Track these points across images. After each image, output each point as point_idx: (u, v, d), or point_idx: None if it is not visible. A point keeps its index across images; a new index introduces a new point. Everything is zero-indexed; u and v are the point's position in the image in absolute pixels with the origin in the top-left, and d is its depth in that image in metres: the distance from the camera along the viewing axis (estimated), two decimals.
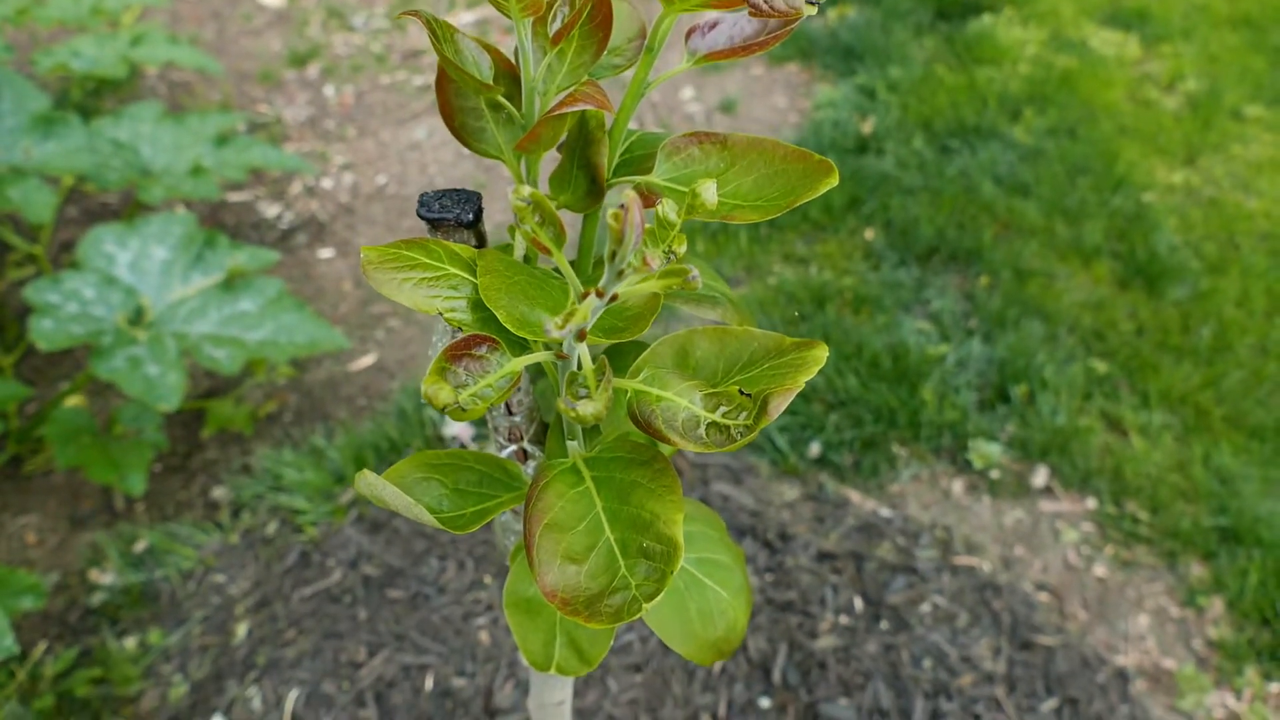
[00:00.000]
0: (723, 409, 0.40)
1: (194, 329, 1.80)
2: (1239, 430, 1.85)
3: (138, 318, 1.77)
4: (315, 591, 1.61)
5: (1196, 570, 1.66)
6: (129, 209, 2.33)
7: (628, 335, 0.41)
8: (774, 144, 0.47)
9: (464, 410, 0.35)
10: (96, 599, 1.65)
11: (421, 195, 0.50)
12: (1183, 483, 1.77)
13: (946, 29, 3.05)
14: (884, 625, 1.46)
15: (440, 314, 0.43)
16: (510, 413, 0.55)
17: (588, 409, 0.32)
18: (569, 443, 0.47)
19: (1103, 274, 2.18)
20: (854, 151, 2.53)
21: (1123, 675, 1.51)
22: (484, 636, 1.45)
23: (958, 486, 1.78)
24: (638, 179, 0.48)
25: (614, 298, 0.33)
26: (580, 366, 0.37)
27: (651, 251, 0.34)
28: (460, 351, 0.36)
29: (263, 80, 3.21)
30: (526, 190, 0.31)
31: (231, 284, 1.89)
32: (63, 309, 1.72)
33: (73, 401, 2.01)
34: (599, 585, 0.39)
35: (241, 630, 1.56)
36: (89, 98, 3.00)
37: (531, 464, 0.57)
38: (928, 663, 1.40)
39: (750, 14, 0.42)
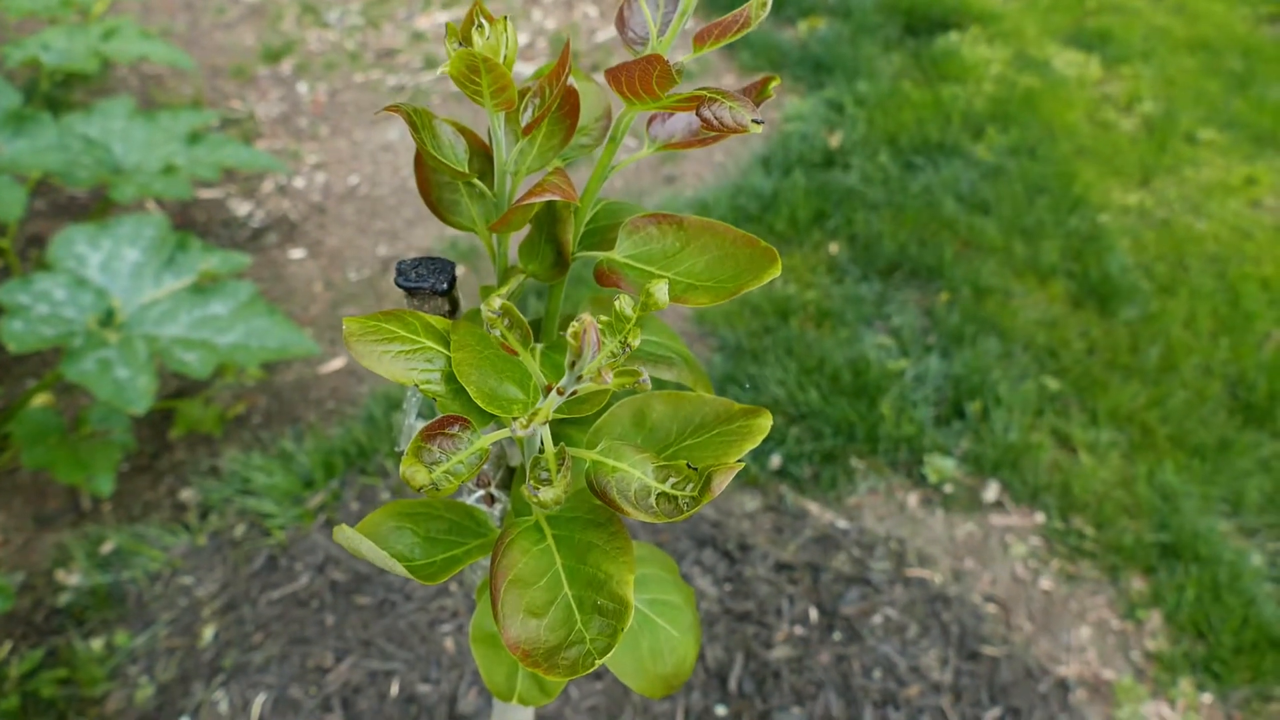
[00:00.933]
0: (672, 480, 0.44)
1: (165, 332, 1.82)
2: (1182, 449, 1.92)
3: (108, 320, 1.78)
4: (283, 595, 1.64)
5: (1137, 584, 1.73)
6: (99, 206, 2.33)
7: (585, 411, 0.45)
8: (725, 228, 0.51)
9: (438, 489, 0.39)
10: (63, 599, 1.66)
11: (399, 264, 0.53)
12: (1127, 499, 1.85)
13: (914, 45, 3.11)
14: (837, 636, 1.52)
15: (416, 385, 0.46)
16: None
17: (548, 495, 0.36)
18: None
19: (1057, 293, 2.25)
20: (821, 165, 2.59)
21: (1064, 685, 1.57)
22: (449, 644, 1.49)
23: (913, 500, 1.84)
24: (600, 255, 0.52)
25: (574, 392, 0.37)
26: (542, 449, 0.41)
27: (609, 354, 0.38)
28: (435, 431, 0.40)
29: (235, 75, 3.21)
30: (497, 303, 0.35)
31: (203, 287, 1.90)
32: (33, 310, 1.73)
33: (40, 400, 2.02)
34: (557, 639, 0.43)
35: (208, 633, 1.58)
36: (58, 89, 2.98)
37: (498, 507, 0.61)
38: (878, 673, 1.46)
39: (702, 126, 0.46)
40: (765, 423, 0.49)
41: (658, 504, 0.44)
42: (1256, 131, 2.68)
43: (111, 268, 1.87)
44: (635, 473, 0.44)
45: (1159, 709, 1.58)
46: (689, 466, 0.44)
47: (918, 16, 3.21)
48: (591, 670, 0.41)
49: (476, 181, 0.51)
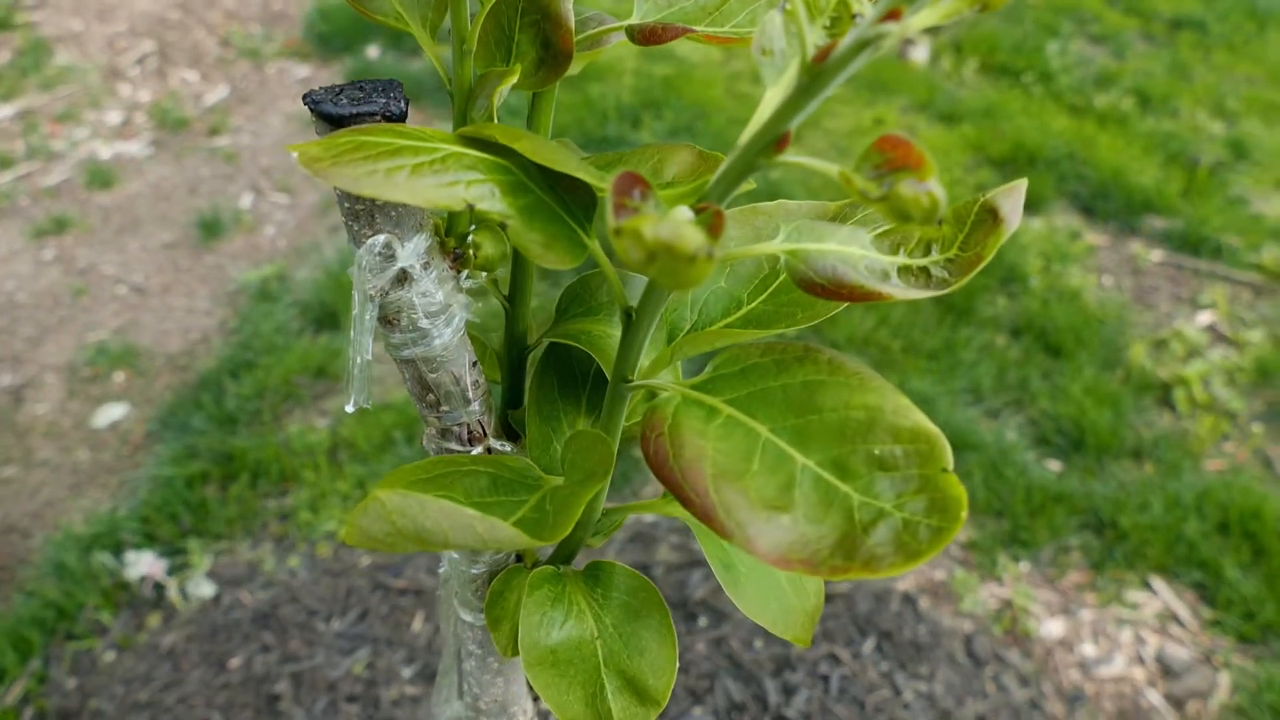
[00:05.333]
0: (904, 251, 0.30)
1: None
2: (918, 356, 2.03)
3: None
4: None
5: None
6: None
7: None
8: None
9: (712, 256, 0.21)
10: None
11: (310, 94, 0.33)
12: None
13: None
14: (703, 623, 1.39)
15: (470, 207, 0.28)
16: (466, 401, 0.40)
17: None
18: (622, 385, 0.34)
19: None
20: None
21: (909, 598, 1.57)
22: None
23: None
24: (619, 25, 0.36)
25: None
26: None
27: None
28: (620, 203, 0.22)
29: None
30: None
31: None
32: None
33: None
34: (836, 528, 0.26)
35: None
36: None
37: None
38: (759, 643, 1.35)
39: None
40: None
41: (904, 280, 0.29)
42: (868, 81, 2.97)
43: None
44: (853, 250, 0.29)
45: (991, 590, 1.63)
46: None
47: None
48: (938, 550, 0.25)
49: None
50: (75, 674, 1.42)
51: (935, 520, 0.26)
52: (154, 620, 1.49)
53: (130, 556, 1.54)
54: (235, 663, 1.38)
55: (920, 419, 0.28)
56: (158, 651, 1.42)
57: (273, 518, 1.66)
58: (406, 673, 1.35)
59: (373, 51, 3.15)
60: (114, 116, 2.98)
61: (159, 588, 1.52)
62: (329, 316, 2.12)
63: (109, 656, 1.44)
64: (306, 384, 1.96)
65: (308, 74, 3.16)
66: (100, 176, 2.69)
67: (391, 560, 1.57)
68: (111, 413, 1.95)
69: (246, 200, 2.60)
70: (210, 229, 2.47)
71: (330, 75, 3.16)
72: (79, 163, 2.76)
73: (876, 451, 0.27)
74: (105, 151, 2.83)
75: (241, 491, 1.69)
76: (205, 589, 1.51)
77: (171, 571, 1.54)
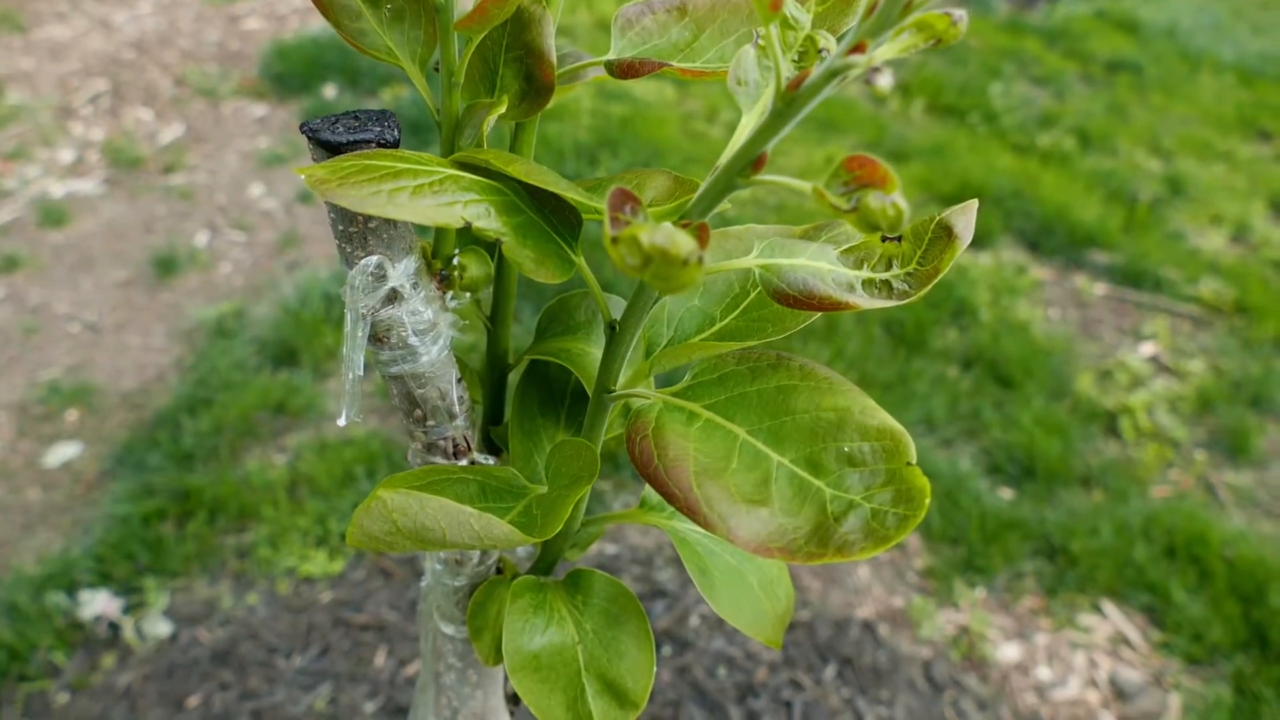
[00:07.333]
0: (867, 266, 0.32)
1: None
2: (873, 386, 2.08)
3: None
4: None
5: None
6: None
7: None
8: None
9: (702, 262, 0.23)
10: None
11: (308, 124, 0.35)
12: None
13: None
14: (667, 651, 1.40)
15: (469, 224, 0.30)
16: (452, 416, 0.41)
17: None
18: (604, 395, 0.36)
19: None
20: None
21: (869, 626, 1.59)
22: None
23: None
24: (598, 60, 0.38)
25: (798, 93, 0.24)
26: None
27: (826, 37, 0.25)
28: (615, 216, 0.24)
29: None
30: None
31: None
32: None
33: None
34: (810, 519, 0.29)
35: None
36: None
37: None
38: (722, 671, 1.37)
39: None
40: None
41: (868, 291, 0.31)
42: (819, 120, 3.05)
43: None
44: (821, 265, 0.31)
45: (949, 616, 1.66)
46: (886, 239, 0.32)
47: None
48: (908, 531, 0.27)
49: None
50: (28, 716, 1.39)
51: (901, 509, 0.28)
52: (109, 660, 1.46)
53: (84, 596, 1.51)
54: (194, 701, 1.36)
55: (885, 418, 0.30)
56: (113, 692, 1.39)
57: (231, 555, 1.64)
58: (369, 707, 1.34)
59: (329, 91, 3.17)
60: (66, 155, 2.95)
61: (114, 627, 1.50)
62: (288, 353, 2.12)
63: (63, 698, 1.41)
64: (265, 420, 1.94)
65: (264, 113, 3.16)
66: (52, 214, 2.66)
67: (352, 596, 1.56)
68: (64, 451, 1.92)
69: (203, 238, 2.59)
70: (166, 266, 2.45)
71: (287, 114, 3.17)
72: (30, 201, 2.73)
73: (846, 449, 0.30)
74: (58, 189, 2.80)
75: (199, 528, 1.67)
76: (162, 627, 1.49)
77: (127, 610, 1.52)
